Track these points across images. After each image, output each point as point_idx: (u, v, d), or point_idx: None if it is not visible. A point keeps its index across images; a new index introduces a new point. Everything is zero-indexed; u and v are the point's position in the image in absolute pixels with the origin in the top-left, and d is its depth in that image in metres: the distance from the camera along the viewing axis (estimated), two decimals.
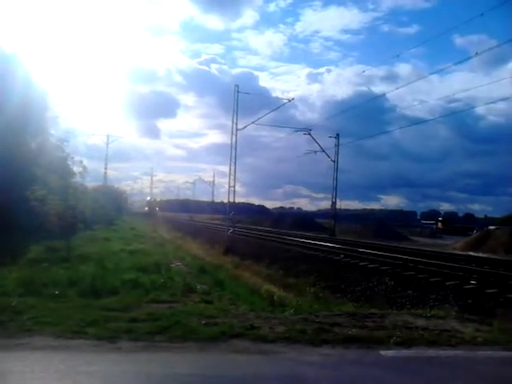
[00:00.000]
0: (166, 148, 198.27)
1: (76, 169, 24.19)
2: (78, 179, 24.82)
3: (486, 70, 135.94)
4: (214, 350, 5.35)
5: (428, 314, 7.76)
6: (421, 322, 7.05)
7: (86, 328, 5.78)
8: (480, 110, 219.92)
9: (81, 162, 24.40)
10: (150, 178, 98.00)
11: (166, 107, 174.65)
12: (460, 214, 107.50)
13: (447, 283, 13.14)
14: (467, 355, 5.62)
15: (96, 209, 31.38)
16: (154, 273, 11.25)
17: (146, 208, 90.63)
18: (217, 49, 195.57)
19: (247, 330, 6.02)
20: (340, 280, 14.93)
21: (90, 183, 39.91)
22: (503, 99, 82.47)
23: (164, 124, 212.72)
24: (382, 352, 5.53)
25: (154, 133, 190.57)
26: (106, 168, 61.56)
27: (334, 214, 51.69)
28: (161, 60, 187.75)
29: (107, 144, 59.67)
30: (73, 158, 23.96)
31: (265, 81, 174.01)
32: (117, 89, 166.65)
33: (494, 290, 12.00)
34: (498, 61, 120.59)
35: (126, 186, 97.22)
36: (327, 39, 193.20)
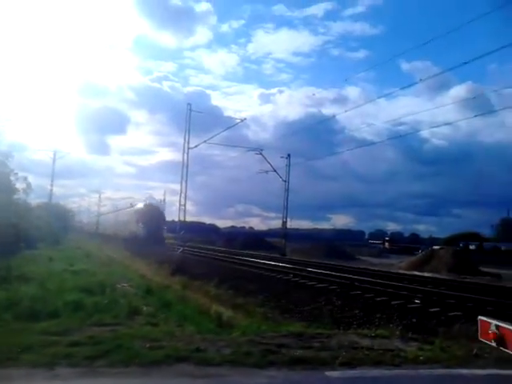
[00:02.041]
0: (115, 165, 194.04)
1: (19, 185, 23.25)
2: (21, 196, 23.83)
3: (430, 95, 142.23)
4: (157, 374, 5.18)
5: (373, 334, 7.87)
6: (366, 342, 7.14)
7: (21, 354, 5.47)
8: (425, 133, 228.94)
9: (25, 178, 23.56)
10: (97, 195, 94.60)
11: (116, 123, 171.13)
12: (406, 234, 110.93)
13: (392, 302, 13.43)
14: (410, 374, 5.72)
15: (40, 227, 30.19)
16: (99, 294, 10.88)
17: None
18: (169, 66, 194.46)
19: (192, 353, 5.89)
20: (289, 300, 14.95)
21: (35, 200, 38.49)
22: (446, 124, 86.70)
23: (114, 140, 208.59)
24: (327, 373, 5.53)
25: (103, 149, 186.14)
26: (51, 185, 59.39)
27: (284, 234, 52.06)
28: (112, 76, 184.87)
29: (54, 160, 57.72)
30: (16, 173, 23.05)
31: (217, 100, 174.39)
32: (66, 103, 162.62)
33: (437, 309, 12.37)
34: (441, 87, 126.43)
35: (72, 204, 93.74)
36: (279, 61, 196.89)
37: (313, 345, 6.85)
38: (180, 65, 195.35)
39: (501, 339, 2.58)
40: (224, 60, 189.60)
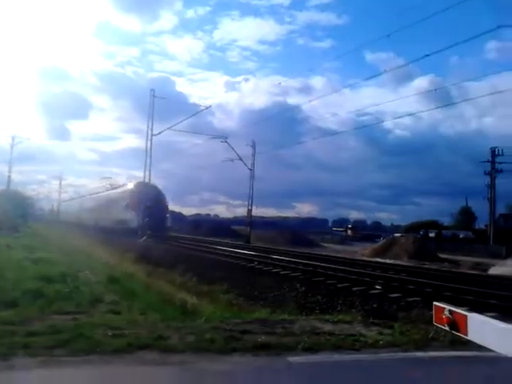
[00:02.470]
0: (77, 151, 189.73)
1: None
2: None
3: (393, 86, 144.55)
4: (118, 362, 5.13)
5: (335, 319, 8.02)
6: (328, 327, 7.26)
7: None
8: (388, 124, 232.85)
9: None
10: (58, 182, 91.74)
11: (78, 109, 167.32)
12: (368, 222, 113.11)
13: (354, 288, 13.71)
14: (370, 358, 5.86)
15: None
16: (60, 282, 10.66)
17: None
18: (133, 51, 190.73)
19: (155, 341, 5.86)
20: (253, 287, 15.06)
21: None
22: (409, 115, 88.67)
23: (76, 126, 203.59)
24: (290, 358, 5.60)
25: (64, 135, 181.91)
26: (10, 171, 57.58)
27: (249, 221, 52.25)
28: (75, 60, 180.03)
29: (12, 145, 55.89)
30: None
31: (182, 86, 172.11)
32: (26, 88, 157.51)
33: (397, 295, 12.70)
34: (405, 78, 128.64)
35: (32, 191, 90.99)
36: (245, 49, 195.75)
37: (276, 331, 6.92)
38: (144, 50, 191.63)
39: (453, 323, 2.66)
40: (189, 46, 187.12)
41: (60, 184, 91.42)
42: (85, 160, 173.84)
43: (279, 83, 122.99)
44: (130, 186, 48.14)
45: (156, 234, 37.11)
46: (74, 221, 63.38)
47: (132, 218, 42.65)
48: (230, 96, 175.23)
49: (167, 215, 47.12)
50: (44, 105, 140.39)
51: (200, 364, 5.26)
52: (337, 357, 5.78)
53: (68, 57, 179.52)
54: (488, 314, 9.10)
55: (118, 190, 51.84)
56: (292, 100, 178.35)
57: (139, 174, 34.42)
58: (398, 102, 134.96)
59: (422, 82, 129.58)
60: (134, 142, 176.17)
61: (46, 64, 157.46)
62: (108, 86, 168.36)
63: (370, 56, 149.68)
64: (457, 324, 2.66)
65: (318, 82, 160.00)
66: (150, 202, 41.09)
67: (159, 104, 32.29)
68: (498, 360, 2.91)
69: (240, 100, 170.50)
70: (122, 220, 44.75)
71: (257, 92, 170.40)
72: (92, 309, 8.31)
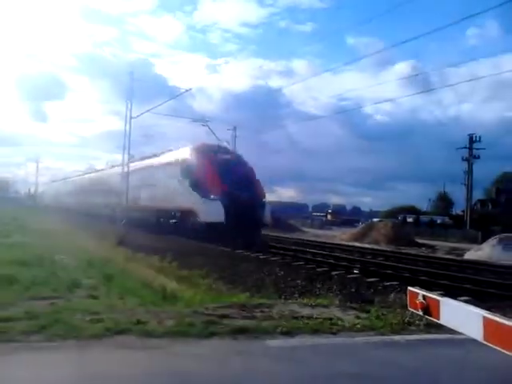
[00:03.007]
0: (54, 133, 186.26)
1: None
2: None
3: (374, 71, 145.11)
4: (96, 347, 5.12)
5: (313, 303, 8.13)
6: (306, 311, 7.35)
7: None
8: (368, 109, 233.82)
9: None
10: (35, 164, 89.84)
11: (56, 90, 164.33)
12: (348, 207, 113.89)
13: (333, 273, 13.87)
14: (347, 341, 5.96)
15: None
16: (37, 267, 10.55)
17: None
18: (112, 32, 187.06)
19: (134, 326, 5.86)
20: (233, 271, 15.11)
21: None
22: (389, 100, 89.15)
23: (54, 108, 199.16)
24: (269, 342, 5.68)
25: (41, 116, 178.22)
26: None
27: None
28: (52, 40, 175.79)
29: None
30: None
31: (162, 69, 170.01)
32: (2, 69, 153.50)
33: (374, 279, 12.89)
34: (385, 63, 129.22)
35: (7, 173, 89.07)
36: (226, 31, 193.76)
37: (255, 315, 6.98)
38: (123, 31, 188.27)
39: (427, 308, 2.72)
40: (169, 27, 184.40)
41: (37, 167, 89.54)
42: (62, 142, 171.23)
43: (260, 66, 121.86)
44: (186, 151, 27.65)
45: (249, 239, 21.94)
46: (56, 205, 59.08)
47: (196, 205, 24.24)
48: (211, 79, 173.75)
49: (264, 204, 26.54)
50: (21, 86, 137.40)
51: (178, 348, 5.29)
52: (314, 340, 5.87)
53: (45, 37, 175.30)
54: (462, 298, 9.32)
55: (161, 160, 31.27)
56: (273, 83, 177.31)
57: (119, 157, 33.68)
58: (379, 88, 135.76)
59: (402, 68, 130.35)
60: (113, 124, 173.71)
61: (23, 45, 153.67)
62: (86, 67, 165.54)
63: (351, 40, 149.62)
64: (430, 309, 2.72)
65: (299, 65, 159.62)
66: (236, 179, 24.60)
67: (138, 86, 31.82)
68: (468, 343, 2.99)
69: (221, 83, 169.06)
70: (173, 209, 27.55)
71: (238, 75, 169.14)
72: (69, 294, 8.25)
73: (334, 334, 6.20)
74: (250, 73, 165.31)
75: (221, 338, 5.71)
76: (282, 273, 14.20)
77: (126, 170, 28.86)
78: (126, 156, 29.08)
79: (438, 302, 2.66)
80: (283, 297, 11.03)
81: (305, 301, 8.66)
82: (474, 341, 2.47)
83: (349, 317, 7.18)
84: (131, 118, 28.68)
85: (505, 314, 2.36)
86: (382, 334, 6.29)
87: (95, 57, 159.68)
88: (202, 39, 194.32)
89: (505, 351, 2.14)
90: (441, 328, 5.90)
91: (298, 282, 12.99)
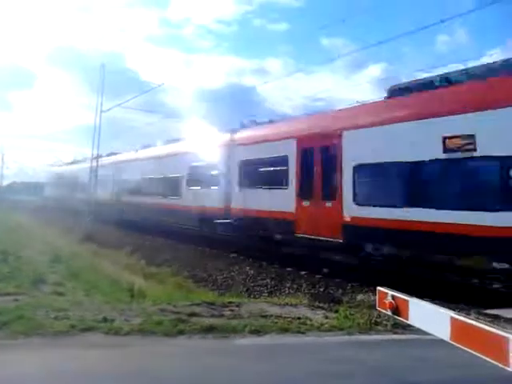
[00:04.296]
0: (20, 125, 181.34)
1: None
2: None
3: (347, 72, 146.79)
4: (61, 345, 5.01)
5: (282, 303, 8.15)
6: (275, 310, 7.36)
7: None
8: None
9: None
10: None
11: (23, 80, 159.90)
12: None
13: (301, 272, 13.92)
14: (315, 341, 6.00)
15: None
16: (0, 262, 10.27)
17: None
18: (84, 23, 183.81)
19: (100, 323, 5.75)
20: (203, 269, 15.03)
21: None
22: (360, 102, 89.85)
23: (19, 98, 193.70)
24: (237, 341, 5.66)
25: (6, 107, 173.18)
26: None
27: None
28: (21, 29, 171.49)
29: None
30: None
31: (134, 62, 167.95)
32: None
33: (342, 280, 12.98)
34: (358, 66, 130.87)
35: None
36: (200, 27, 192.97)
37: (224, 313, 6.95)
38: (96, 22, 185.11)
39: (396, 308, 2.75)
40: (143, 21, 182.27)
41: (2, 159, 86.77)
42: (29, 135, 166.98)
43: (235, 63, 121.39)
44: None
45: None
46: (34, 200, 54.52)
47: None
48: (184, 74, 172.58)
49: None
50: None
51: (146, 347, 5.22)
52: (282, 339, 5.88)
53: (15, 26, 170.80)
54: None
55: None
56: (247, 81, 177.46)
57: (87, 152, 32.85)
58: (351, 89, 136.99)
59: (374, 70, 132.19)
60: (83, 118, 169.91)
61: None
62: (57, 58, 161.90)
63: (325, 41, 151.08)
64: (399, 309, 2.75)
65: (273, 64, 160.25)
66: None
67: (110, 80, 31.16)
68: (435, 343, 3.03)
69: (194, 79, 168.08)
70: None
71: (211, 71, 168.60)
72: (34, 290, 8.05)
73: (302, 333, 6.22)
74: (223, 70, 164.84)
75: (189, 337, 5.67)
76: (252, 272, 14.20)
77: (98, 164, 28.26)
78: (96, 150, 28.47)
79: (406, 302, 2.69)
80: (252, 295, 11.04)
81: (274, 300, 8.68)
82: (440, 341, 2.51)
83: (317, 316, 7.23)
84: (101, 111, 28.12)
85: None
86: (350, 334, 6.36)
87: (67, 48, 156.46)
88: (175, 34, 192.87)
89: (471, 351, 2.18)
90: (407, 328, 6.02)
91: (268, 281, 13.01)
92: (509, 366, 1.99)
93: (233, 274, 14.20)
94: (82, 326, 5.55)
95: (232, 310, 7.19)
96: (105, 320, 5.90)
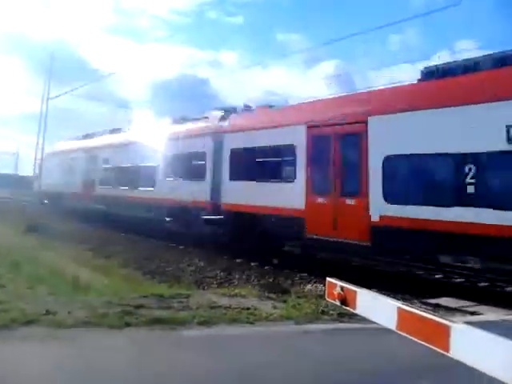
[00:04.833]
0: None
1: None
2: None
3: (302, 68, 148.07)
4: (1, 339, 4.79)
5: (232, 293, 8.16)
6: (224, 301, 7.36)
7: None
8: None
9: None
10: None
11: None
12: None
13: (251, 264, 14.00)
14: (263, 331, 6.03)
15: None
16: None
17: None
18: (33, 9, 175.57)
19: (42, 316, 5.54)
20: (152, 261, 14.80)
21: None
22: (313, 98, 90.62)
23: None
24: (185, 332, 5.61)
25: None
26: None
27: None
28: None
29: None
30: None
31: (85, 50, 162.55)
32: None
33: (291, 270, 13.15)
34: (312, 61, 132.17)
35: None
36: (154, 17, 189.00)
37: (172, 305, 6.87)
38: (45, 8, 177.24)
39: (344, 299, 2.79)
40: (95, 9, 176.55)
41: None
42: None
43: (190, 55, 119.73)
44: None
45: None
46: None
47: None
48: (137, 64, 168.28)
49: None
50: None
51: (90, 340, 5.07)
52: (231, 330, 5.88)
53: None
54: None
55: None
56: (201, 73, 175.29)
57: (32, 140, 31.50)
58: (306, 85, 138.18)
59: (328, 67, 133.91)
60: (28, 105, 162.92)
61: None
62: (5, 44, 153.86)
63: (281, 36, 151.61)
64: (347, 299, 2.79)
65: (228, 57, 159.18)
66: None
67: (59, 67, 30.06)
68: (380, 332, 3.10)
69: (147, 69, 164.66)
70: None
71: (165, 62, 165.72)
72: None
73: (251, 323, 6.25)
74: (177, 61, 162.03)
75: (136, 330, 5.55)
76: (202, 263, 14.15)
77: (46, 152, 27.20)
78: (42, 139, 27.41)
79: (355, 292, 2.74)
80: (202, 287, 10.99)
81: (223, 291, 8.68)
82: (386, 330, 2.56)
83: (266, 306, 7.28)
84: (48, 98, 27.10)
85: None
86: (297, 323, 6.44)
87: (13, 33, 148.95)
88: (129, 23, 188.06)
89: (416, 340, 2.24)
90: (353, 317, 6.15)
91: (218, 272, 12.99)
92: (449, 352, 2.05)
93: (182, 265, 14.08)
94: (23, 320, 5.32)
95: (181, 302, 7.11)
96: (47, 313, 5.69)
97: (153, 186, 20.83)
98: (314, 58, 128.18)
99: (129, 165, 23.11)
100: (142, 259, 14.88)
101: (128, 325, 5.62)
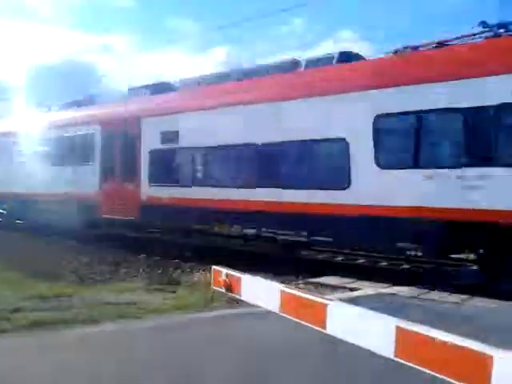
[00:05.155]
0: None
1: None
2: None
3: (193, 53, 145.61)
4: None
5: (118, 289, 7.91)
6: (111, 298, 7.11)
7: None
8: None
9: None
10: None
11: None
12: None
13: (139, 256, 13.69)
14: (150, 324, 5.92)
15: None
16: None
17: None
18: None
19: None
20: (31, 260, 13.78)
21: None
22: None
23: None
24: (67, 333, 5.32)
25: None
26: None
27: None
28: None
29: None
30: None
31: None
32: None
33: (180, 260, 13.07)
34: (204, 47, 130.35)
35: None
36: None
37: (54, 305, 6.51)
38: None
39: (229, 286, 2.83)
40: None
41: None
42: None
43: (75, 37, 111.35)
44: None
45: None
46: None
47: None
48: (14, 45, 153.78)
49: None
50: None
51: None
52: (116, 326, 5.69)
53: None
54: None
55: None
56: (90, 57, 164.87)
57: None
58: (198, 70, 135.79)
59: (219, 53, 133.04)
60: None
61: None
62: None
63: (172, 21, 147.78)
64: (232, 286, 2.83)
65: (117, 41, 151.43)
66: None
67: None
68: (266, 315, 3.19)
69: (25, 50, 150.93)
70: None
71: (47, 44, 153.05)
72: None
73: (138, 317, 6.10)
74: (60, 43, 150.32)
75: (11, 335, 5.15)
76: (86, 259, 13.49)
77: None
78: None
79: (239, 279, 2.78)
80: (87, 284, 10.47)
81: (109, 286, 8.39)
82: (270, 313, 2.64)
83: (155, 299, 7.17)
84: None
85: None
86: (187, 313, 6.43)
87: None
88: (16, 3, 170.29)
89: (298, 320, 2.34)
90: (242, 302, 6.28)
91: (104, 267, 12.47)
92: (325, 329, 2.17)
93: (64, 262, 13.28)
94: None
95: (64, 301, 6.75)
96: None
97: None
98: (205, 44, 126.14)
99: None
100: (23, 258, 13.78)
101: (3, 331, 5.20)
